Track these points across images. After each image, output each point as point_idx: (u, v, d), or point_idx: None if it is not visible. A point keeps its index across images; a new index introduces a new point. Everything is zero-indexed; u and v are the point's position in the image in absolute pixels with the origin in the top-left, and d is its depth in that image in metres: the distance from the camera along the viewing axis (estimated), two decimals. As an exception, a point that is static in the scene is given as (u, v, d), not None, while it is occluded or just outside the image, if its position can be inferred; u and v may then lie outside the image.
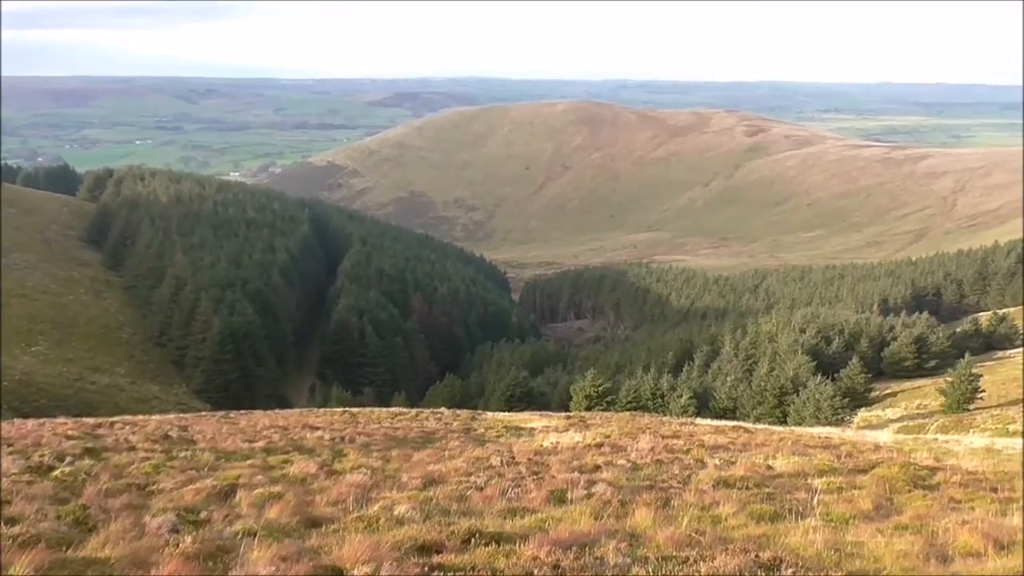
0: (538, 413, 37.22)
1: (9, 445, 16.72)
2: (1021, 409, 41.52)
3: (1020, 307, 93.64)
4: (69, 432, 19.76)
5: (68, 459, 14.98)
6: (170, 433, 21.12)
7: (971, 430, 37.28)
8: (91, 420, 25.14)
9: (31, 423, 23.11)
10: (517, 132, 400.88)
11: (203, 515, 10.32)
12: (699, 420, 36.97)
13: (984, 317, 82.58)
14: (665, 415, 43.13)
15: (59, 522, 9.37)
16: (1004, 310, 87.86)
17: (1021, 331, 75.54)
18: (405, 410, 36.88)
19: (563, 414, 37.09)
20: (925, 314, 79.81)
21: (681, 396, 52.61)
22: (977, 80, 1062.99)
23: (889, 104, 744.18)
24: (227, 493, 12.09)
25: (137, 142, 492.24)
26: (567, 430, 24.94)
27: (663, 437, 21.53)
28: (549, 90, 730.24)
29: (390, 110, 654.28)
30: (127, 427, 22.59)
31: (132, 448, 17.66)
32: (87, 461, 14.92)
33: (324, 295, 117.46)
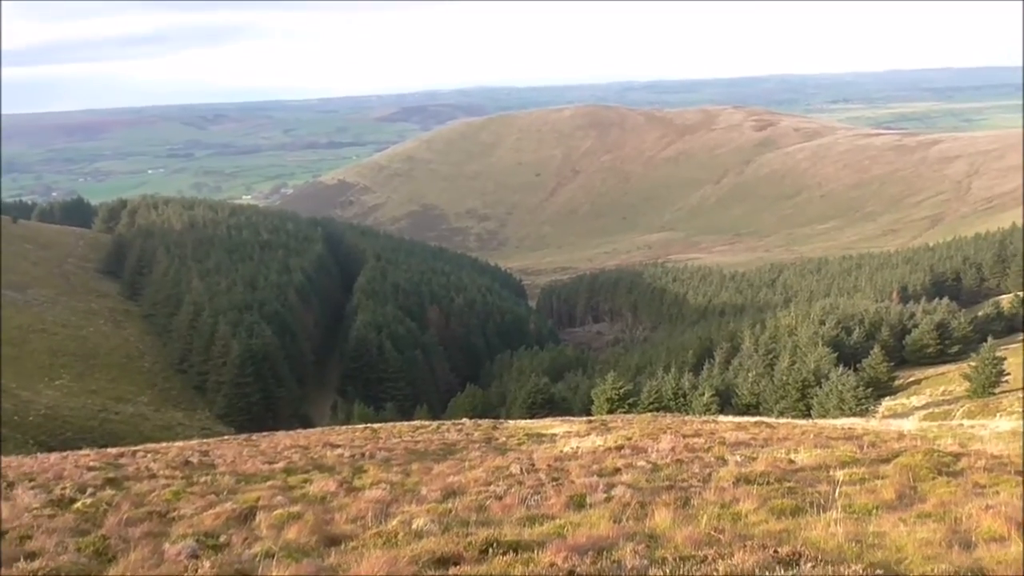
0: (560, 419, 37.14)
1: (31, 479, 16.83)
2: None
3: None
4: (91, 463, 19.87)
5: (89, 490, 15.06)
6: (191, 459, 21.20)
7: (997, 414, 36.89)
8: (113, 450, 25.29)
9: (54, 456, 23.27)
10: (525, 140, 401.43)
11: (222, 539, 10.33)
12: (721, 417, 36.77)
13: (1005, 300, 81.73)
14: (687, 414, 42.92)
15: (79, 554, 9.40)
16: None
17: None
18: (427, 423, 36.88)
19: (585, 418, 37.00)
20: (945, 300, 79.14)
21: (703, 394, 52.33)
22: (986, 63, 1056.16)
23: (898, 91, 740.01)
24: (247, 516, 12.11)
25: (149, 171, 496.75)
26: (588, 434, 24.86)
27: (684, 436, 21.41)
28: (555, 96, 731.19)
29: (398, 125, 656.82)
30: (149, 455, 22.70)
31: (153, 476, 17.73)
32: (108, 491, 14.98)
33: (341, 313, 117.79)
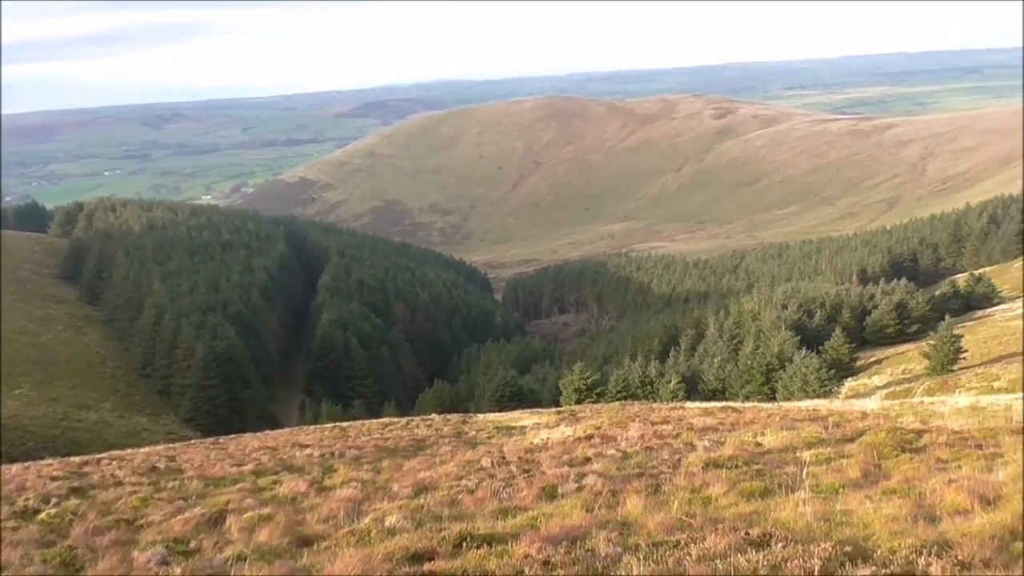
0: (529, 411, 37.18)
1: (-6, 490, 16.51)
2: (1004, 366, 41.96)
3: (996, 266, 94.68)
4: (54, 473, 19.54)
5: (54, 500, 14.81)
6: (157, 464, 20.94)
7: (956, 390, 37.62)
8: (77, 459, 24.88)
9: (15, 467, 22.85)
10: (487, 133, 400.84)
11: (193, 544, 10.23)
12: (688, 404, 37.05)
13: (961, 279, 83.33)
14: (655, 402, 43.18)
15: (45, 566, 9.26)
16: (980, 270, 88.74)
17: (998, 289, 76.32)
18: (395, 420, 36.74)
19: (553, 409, 37.07)
20: (903, 280, 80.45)
21: (670, 381, 52.68)
22: (938, 47, 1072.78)
23: (853, 77, 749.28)
24: (217, 520, 12.00)
25: (105, 173, 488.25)
26: (557, 425, 24.93)
27: (653, 424, 21.56)
28: (516, 88, 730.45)
29: (358, 120, 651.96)
30: (114, 462, 22.38)
31: (119, 483, 17.49)
32: (73, 501, 14.75)
33: (306, 311, 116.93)
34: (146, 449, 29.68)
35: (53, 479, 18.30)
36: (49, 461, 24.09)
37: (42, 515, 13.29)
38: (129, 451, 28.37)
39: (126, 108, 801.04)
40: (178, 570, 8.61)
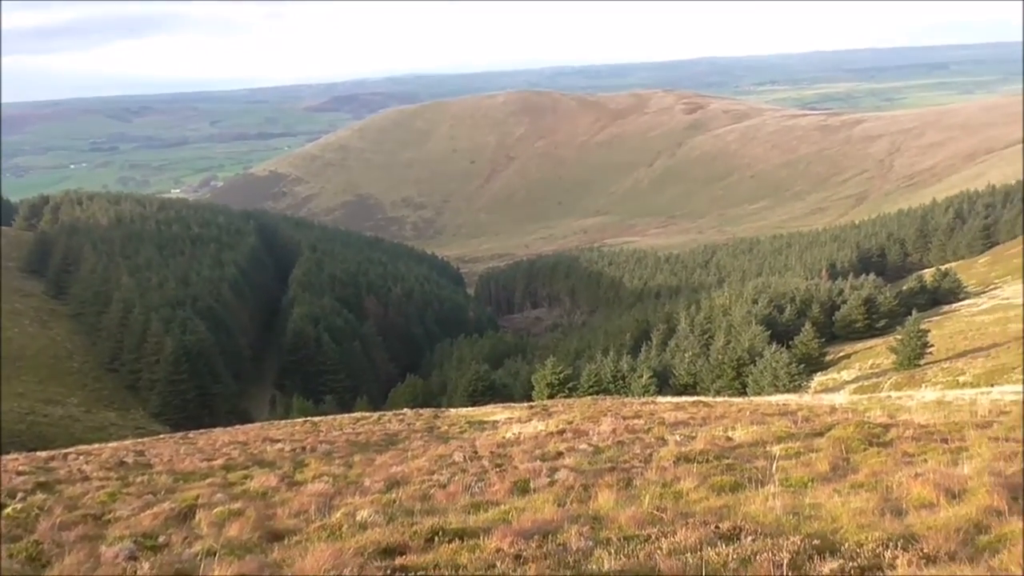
0: (501, 405, 37.20)
1: (-42, 486, 16.24)
2: (969, 360, 42.58)
3: (961, 261, 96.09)
4: (20, 468, 19.26)
5: (20, 495, 14.59)
6: (126, 459, 20.71)
7: (923, 385, 38.13)
8: (43, 454, 24.54)
9: (-19, 462, 22.48)
10: (459, 127, 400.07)
11: (161, 539, 10.13)
12: (660, 398, 37.27)
13: (928, 273, 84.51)
14: (627, 396, 43.42)
15: (11, 560, 9.12)
16: (946, 265, 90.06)
17: (964, 284, 77.43)
18: (368, 414, 36.60)
19: (526, 404, 37.12)
20: (872, 275, 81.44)
21: (641, 376, 53.01)
22: (906, 43, 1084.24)
23: (822, 72, 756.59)
24: (186, 515, 11.89)
25: (72, 166, 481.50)
26: (530, 420, 24.95)
27: (624, 418, 21.64)
28: (487, 82, 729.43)
29: (329, 114, 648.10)
30: (81, 457, 22.10)
31: (86, 478, 17.28)
32: (39, 496, 14.54)
33: (277, 306, 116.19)
34: (114, 444, 29.35)
35: (19, 474, 18.03)
36: (15, 456, 23.71)
37: (7, 510, 13.09)
38: (97, 446, 28.04)
39: (93, 100, 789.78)
40: (146, 565, 8.51)
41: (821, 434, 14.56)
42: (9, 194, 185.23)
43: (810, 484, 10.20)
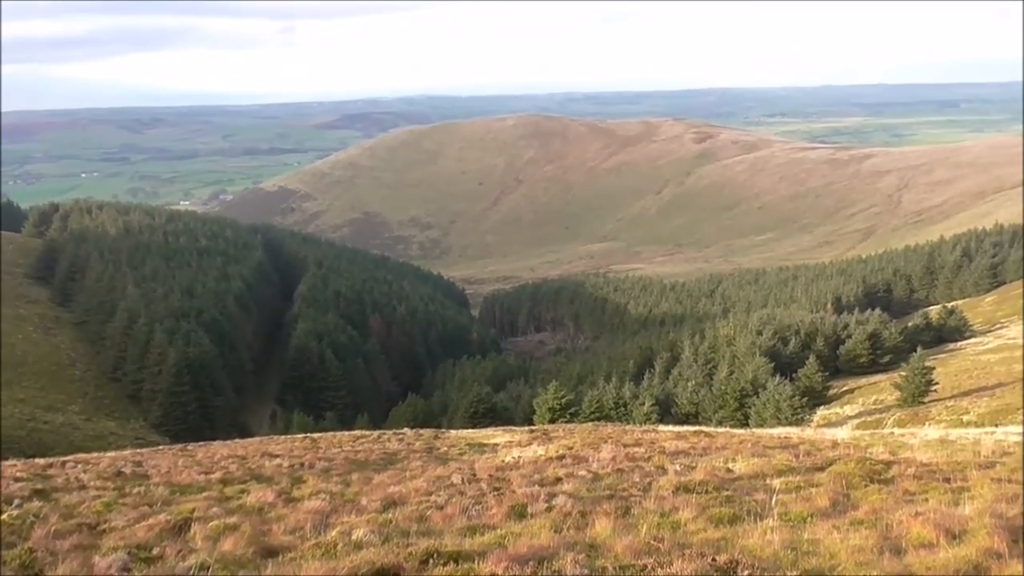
0: (502, 428, 37.10)
1: (-46, 491, 16.21)
2: (974, 399, 42.38)
3: (967, 299, 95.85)
4: (18, 474, 19.22)
5: (16, 502, 14.56)
6: (123, 469, 20.66)
7: (927, 422, 37.94)
8: (42, 461, 24.51)
9: (-21, 467, 22.45)
10: (469, 149, 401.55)
11: (155, 552, 10.09)
12: (661, 427, 37.13)
13: (934, 311, 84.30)
14: (628, 424, 43.24)
15: (4, 567, 9.09)
16: (953, 303, 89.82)
17: (970, 323, 77.17)
18: (367, 432, 36.51)
19: (526, 428, 37.01)
20: (877, 311, 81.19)
21: (643, 404, 52.81)
22: (915, 80, 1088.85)
23: (832, 106, 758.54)
24: (181, 527, 11.85)
25: (83, 175, 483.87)
26: (530, 444, 24.88)
27: (625, 446, 21.56)
28: (498, 105, 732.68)
29: (340, 132, 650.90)
30: (79, 466, 22.07)
31: (83, 487, 17.24)
32: (36, 503, 14.51)
33: (281, 321, 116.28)
34: (113, 453, 29.30)
35: (16, 480, 18.00)
36: (13, 462, 23.69)
37: (3, 516, 13.06)
38: (95, 455, 27.99)
39: (106, 111, 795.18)
40: (139, 578, 8.49)
41: (822, 469, 14.48)
42: (20, 201, 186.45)
43: (809, 519, 10.13)
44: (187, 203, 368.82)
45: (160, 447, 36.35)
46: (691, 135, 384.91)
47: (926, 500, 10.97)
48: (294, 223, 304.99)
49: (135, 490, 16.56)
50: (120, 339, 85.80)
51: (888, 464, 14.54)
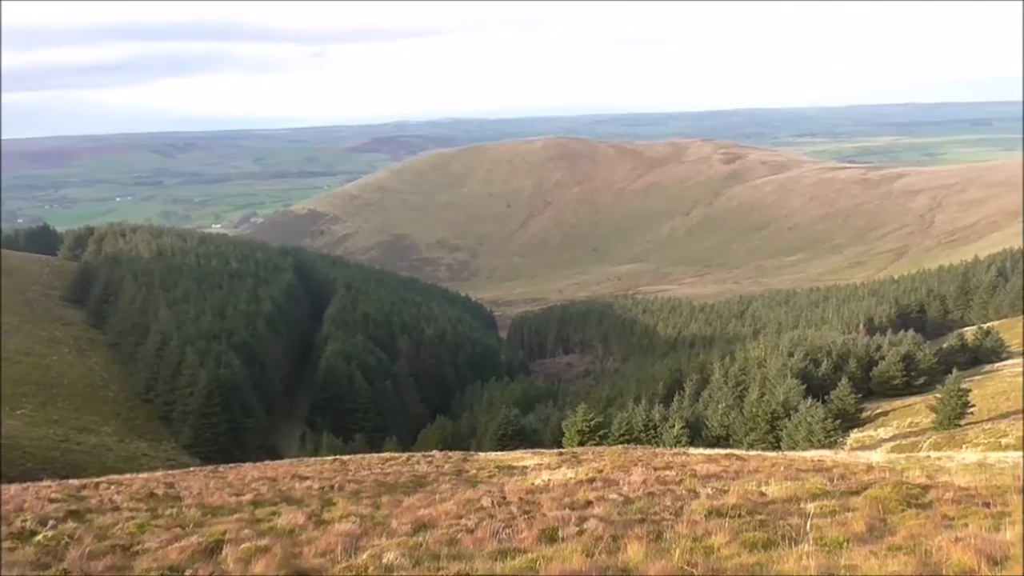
0: (531, 451, 36.95)
1: (-9, 512, 16.41)
2: (1012, 422, 41.60)
3: (1004, 320, 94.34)
4: (52, 495, 19.43)
5: (51, 523, 14.71)
6: (156, 491, 20.80)
7: (964, 446, 37.28)
8: (76, 482, 24.74)
9: (14, 488, 22.71)
10: (496, 171, 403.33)
11: (188, 573, 10.15)
12: (692, 449, 36.79)
13: (969, 332, 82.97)
14: (658, 446, 42.93)
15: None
16: (988, 324, 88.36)
17: (1006, 344, 75.88)
18: (396, 455, 36.50)
19: (555, 451, 36.84)
20: (911, 332, 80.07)
21: (673, 426, 52.43)
22: (946, 99, 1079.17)
23: (862, 126, 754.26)
24: (213, 549, 11.89)
25: (117, 199, 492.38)
26: (559, 467, 24.76)
27: (655, 469, 21.39)
28: (526, 128, 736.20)
29: (369, 155, 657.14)
30: (112, 487, 22.25)
31: (116, 508, 17.37)
32: (70, 524, 14.65)
33: (311, 342, 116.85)
34: (145, 475, 29.52)
35: (51, 501, 18.19)
36: (48, 483, 23.95)
37: (39, 537, 13.19)
38: (128, 476, 28.22)
39: (139, 136, 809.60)
40: (172, 601, 8.52)
41: (857, 493, 14.26)
42: (56, 224, 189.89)
43: (845, 544, 9.97)
44: (218, 226, 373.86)
45: (191, 468, 36.59)
46: (719, 156, 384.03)
47: (966, 525, 10.76)
48: (323, 246, 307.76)
49: (167, 512, 16.65)
50: (152, 361, 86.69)
51: (925, 488, 14.29)
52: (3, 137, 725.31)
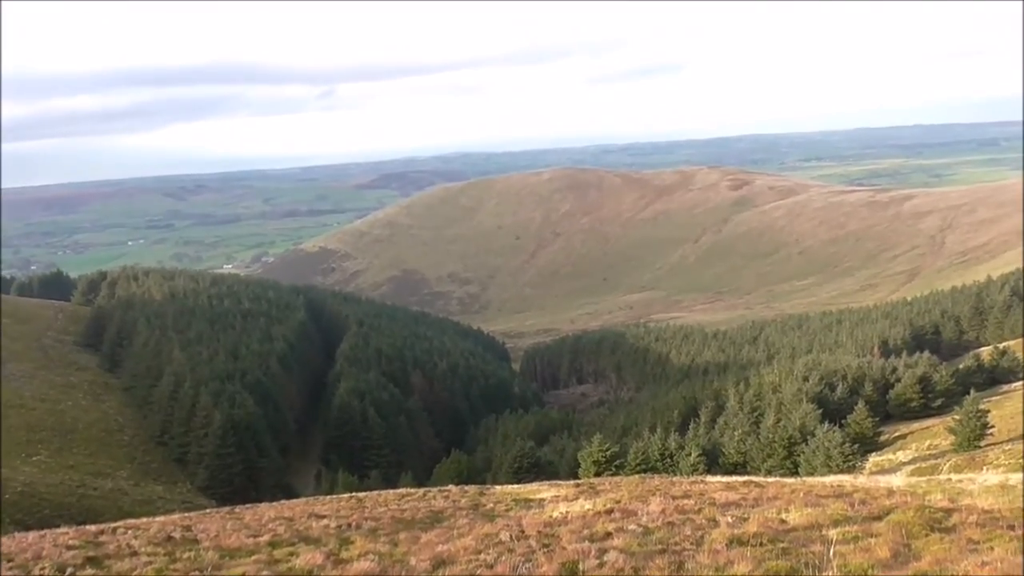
0: (547, 483, 36.70)
1: (9, 560, 16.40)
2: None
3: (1020, 339, 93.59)
4: (70, 542, 19.39)
5: (69, 570, 14.69)
6: (173, 534, 20.75)
7: (984, 467, 36.88)
8: (93, 527, 24.69)
9: (32, 535, 22.69)
10: (505, 203, 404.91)
11: (208, 617, 10.09)
12: (709, 477, 36.48)
13: (985, 352, 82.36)
14: (675, 475, 42.60)
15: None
16: (1004, 343, 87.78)
17: (1023, 363, 75.24)
18: (412, 490, 36.30)
19: (572, 482, 36.57)
20: (926, 353, 79.55)
21: (690, 454, 52.02)
22: (952, 119, 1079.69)
23: (868, 149, 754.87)
24: (232, 592, 11.84)
25: (129, 243, 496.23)
26: (577, 498, 24.58)
27: (674, 498, 21.22)
28: (533, 159, 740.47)
29: (378, 191, 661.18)
30: (129, 531, 22.19)
31: (134, 553, 17.33)
32: (89, 570, 14.62)
33: (324, 380, 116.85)
34: (161, 518, 29.44)
35: (69, 548, 18.15)
36: (65, 530, 23.91)
37: (57, 586, 13.17)
38: (145, 520, 28.14)
39: (150, 180, 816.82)
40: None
41: (879, 518, 14.11)
42: (69, 270, 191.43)
43: (870, 571, 9.87)
44: (230, 266, 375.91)
45: (207, 510, 36.46)
46: (727, 182, 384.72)
47: (991, 549, 10.63)
48: (335, 283, 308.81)
49: (185, 555, 16.60)
50: (167, 403, 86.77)
51: (948, 512, 14.14)
52: (16, 185, 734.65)
